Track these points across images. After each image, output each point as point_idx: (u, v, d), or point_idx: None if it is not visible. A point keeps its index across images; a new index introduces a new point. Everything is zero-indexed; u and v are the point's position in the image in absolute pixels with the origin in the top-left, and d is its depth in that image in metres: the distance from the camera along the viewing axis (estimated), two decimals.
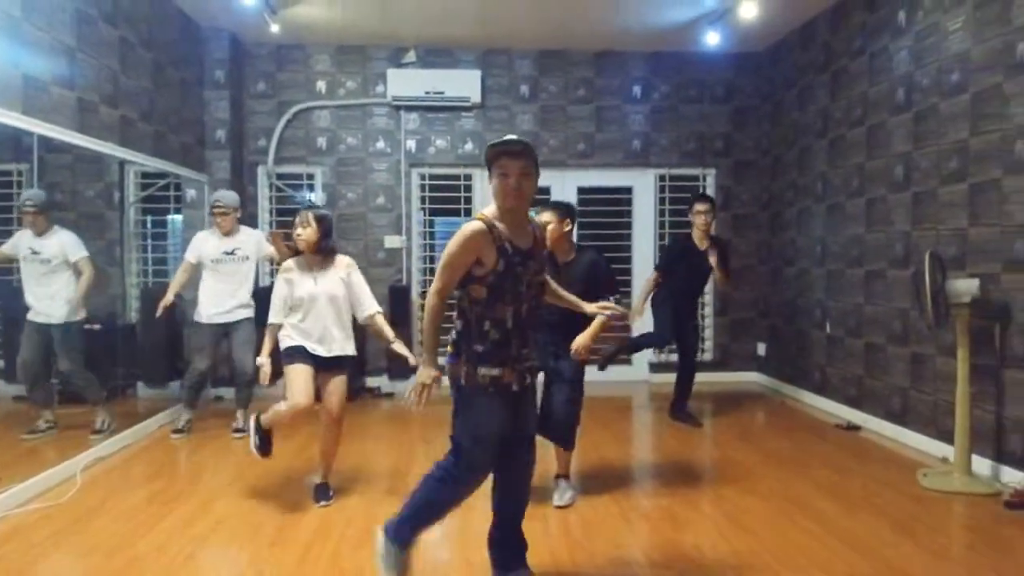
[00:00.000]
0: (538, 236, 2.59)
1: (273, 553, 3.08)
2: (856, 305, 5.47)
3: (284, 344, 3.65)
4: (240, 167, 6.66)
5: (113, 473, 4.29)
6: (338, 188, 6.83)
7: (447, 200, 7.03)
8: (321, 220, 3.65)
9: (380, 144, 6.88)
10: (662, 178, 7.11)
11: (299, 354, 3.61)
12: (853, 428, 5.24)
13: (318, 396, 3.66)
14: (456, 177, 6.97)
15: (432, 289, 2.49)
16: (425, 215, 7.15)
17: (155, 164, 5.50)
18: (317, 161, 6.84)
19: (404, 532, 2.57)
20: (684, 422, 5.42)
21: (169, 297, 5.27)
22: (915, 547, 3.11)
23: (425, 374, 2.47)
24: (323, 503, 3.66)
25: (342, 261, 3.73)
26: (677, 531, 3.31)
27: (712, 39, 6.15)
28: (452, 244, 2.42)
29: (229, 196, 5.10)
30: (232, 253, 5.06)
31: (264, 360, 3.63)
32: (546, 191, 7.05)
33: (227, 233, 5.05)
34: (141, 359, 6.58)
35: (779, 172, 6.78)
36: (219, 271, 5.04)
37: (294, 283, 3.65)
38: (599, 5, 5.81)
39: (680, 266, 5.27)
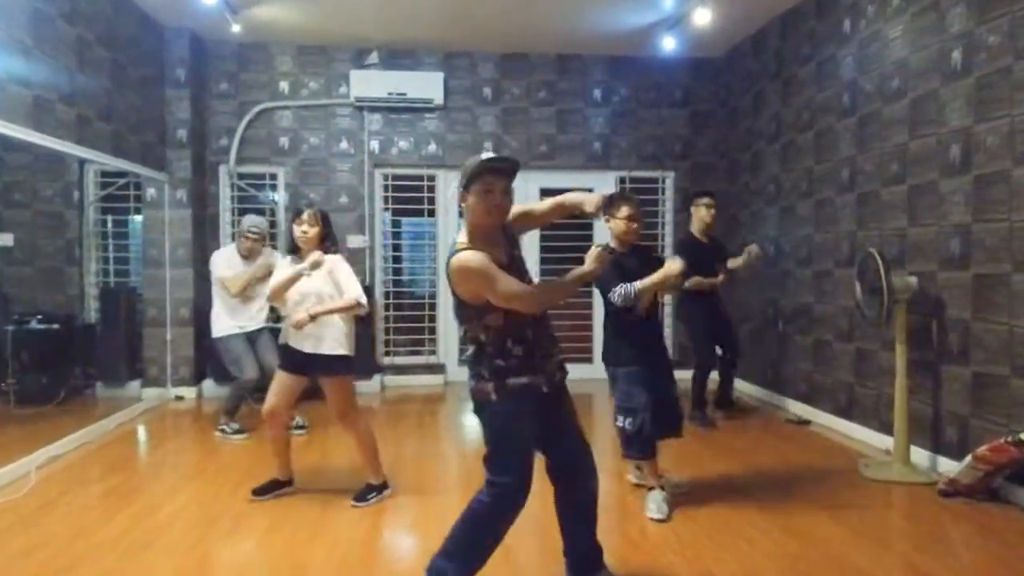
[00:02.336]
0: (507, 237, 2.49)
1: (229, 543, 3.13)
2: (805, 304, 5.64)
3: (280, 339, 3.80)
4: (202, 166, 6.65)
5: (70, 470, 4.28)
6: (301, 188, 6.85)
7: (410, 200, 7.09)
8: (325, 218, 3.71)
9: (343, 144, 6.91)
10: (623, 180, 7.24)
11: (282, 356, 3.75)
12: (803, 423, 5.41)
13: (312, 395, 3.80)
14: (419, 178, 7.03)
15: (517, 292, 2.29)
16: (389, 214, 7.20)
17: (113, 163, 5.47)
18: (280, 161, 6.86)
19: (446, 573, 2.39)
20: (703, 424, 5.26)
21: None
22: (852, 534, 3.25)
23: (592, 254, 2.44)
24: (363, 503, 3.64)
25: (331, 259, 3.66)
26: (630, 519, 3.42)
27: (668, 44, 6.30)
28: (483, 273, 2.24)
29: (263, 223, 5.13)
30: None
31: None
32: None
33: (250, 256, 5.08)
34: (100, 359, 6.55)
35: (735, 175, 6.96)
36: (245, 292, 5.04)
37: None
38: (560, 9, 5.91)
39: (692, 264, 5.18)
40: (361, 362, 6.69)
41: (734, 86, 6.96)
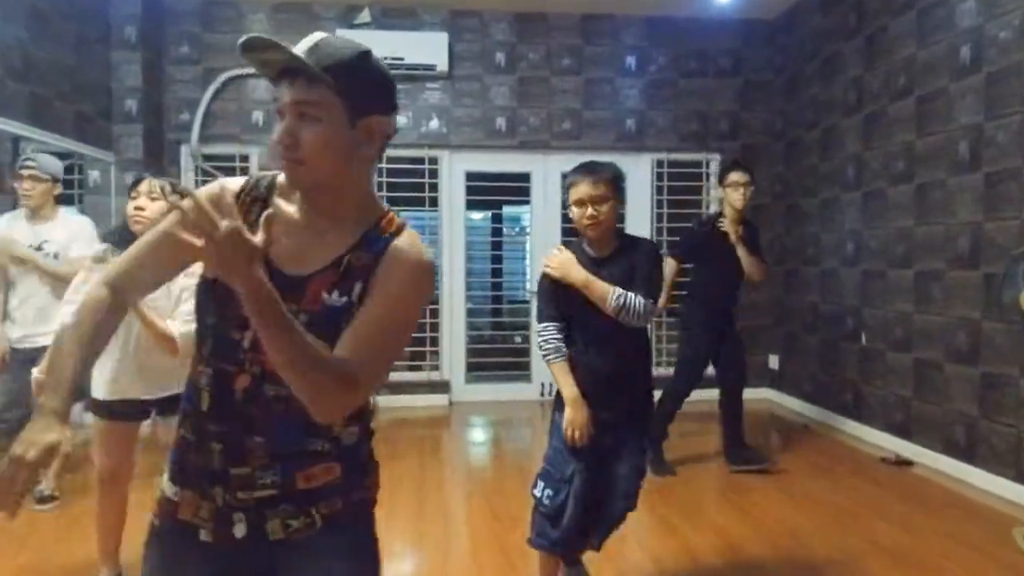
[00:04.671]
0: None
1: None
2: (902, 313, 4.52)
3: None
4: (158, 145, 5.53)
5: None
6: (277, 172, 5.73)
7: (408, 188, 5.98)
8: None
9: None
10: (659, 164, 6.13)
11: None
12: (904, 463, 4.30)
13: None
14: (420, 160, 5.91)
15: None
16: (384, 204, 6.07)
17: (30, 134, 4.37)
18: (253, 140, 5.74)
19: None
20: (750, 464, 4.12)
21: None
22: None
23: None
24: None
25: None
26: None
27: None
28: None
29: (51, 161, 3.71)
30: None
31: None
32: (526, 177, 6.05)
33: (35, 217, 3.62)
34: None
35: (796, 156, 5.84)
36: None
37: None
38: None
39: (707, 257, 4.18)
40: None
41: (795, 50, 5.84)
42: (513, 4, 5.78)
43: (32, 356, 3.45)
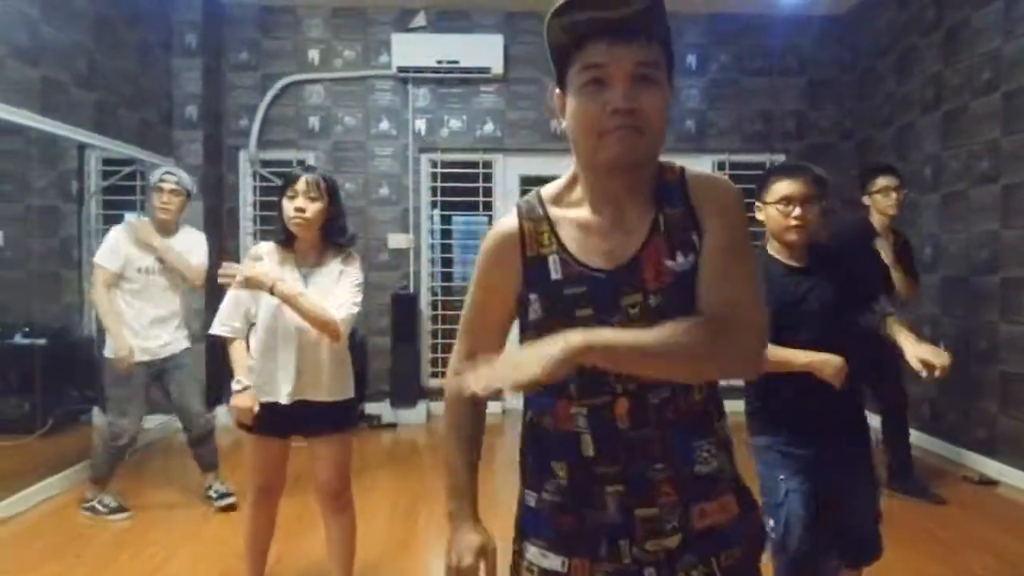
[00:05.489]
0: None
1: None
2: (987, 322, 4.24)
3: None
4: (217, 151, 5.59)
5: (17, 542, 3.21)
6: (334, 177, 5.72)
7: (462, 192, 5.91)
8: (335, 192, 2.48)
9: (384, 125, 5.76)
10: (721, 165, 5.93)
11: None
12: (988, 483, 4.02)
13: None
14: (474, 164, 5.84)
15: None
16: (437, 209, 6.02)
17: (95, 141, 4.45)
18: (309, 145, 5.75)
19: None
20: (911, 494, 3.75)
21: None
22: None
23: None
24: None
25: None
26: None
27: None
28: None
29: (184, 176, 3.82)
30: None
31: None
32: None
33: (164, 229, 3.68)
34: (98, 380, 5.56)
35: (868, 157, 5.56)
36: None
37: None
38: None
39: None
40: (404, 387, 5.59)
41: (865, 46, 5.58)
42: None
43: (153, 368, 3.55)
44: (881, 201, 3.67)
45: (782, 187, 2.03)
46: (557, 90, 1.12)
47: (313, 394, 2.36)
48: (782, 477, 1.99)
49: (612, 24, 1.01)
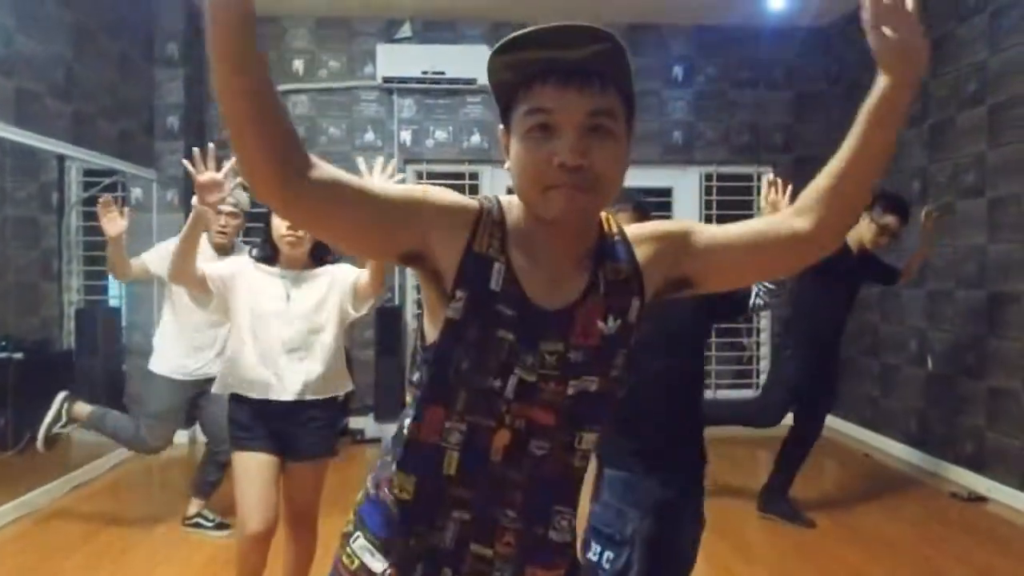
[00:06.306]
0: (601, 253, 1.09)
1: None
2: (975, 337, 4.22)
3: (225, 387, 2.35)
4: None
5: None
6: None
7: None
8: None
9: (368, 135, 5.72)
10: (708, 177, 5.92)
11: (240, 421, 2.31)
12: (976, 499, 3.99)
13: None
14: (460, 176, 5.80)
15: None
16: None
17: (72, 153, 4.38)
18: None
19: None
20: (783, 517, 3.66)
21: None
22: None
23: None
24: None
25: (332, 270, 2.42)
26: None
27: (776, 3, 4.95)
28: None
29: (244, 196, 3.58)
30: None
31: None
32: None
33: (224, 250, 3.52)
34: (78, 394, 5.47)
35: None
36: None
37: (251, 289, 2.30)
38: None
39: (832, 282, 3.55)
40: (388, 401, 5.52)
41: (851, 59, 5.57)
42: (557, 14, 5.62)
43: (191, 387, 3.44)
44: (876, 235, 3.59)
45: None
46: (501, 126, 1.03)
47: (318, 389, 2.28)
48: (632, 515, 1.87)
49: (563, 65, 0.92)
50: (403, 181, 2.37)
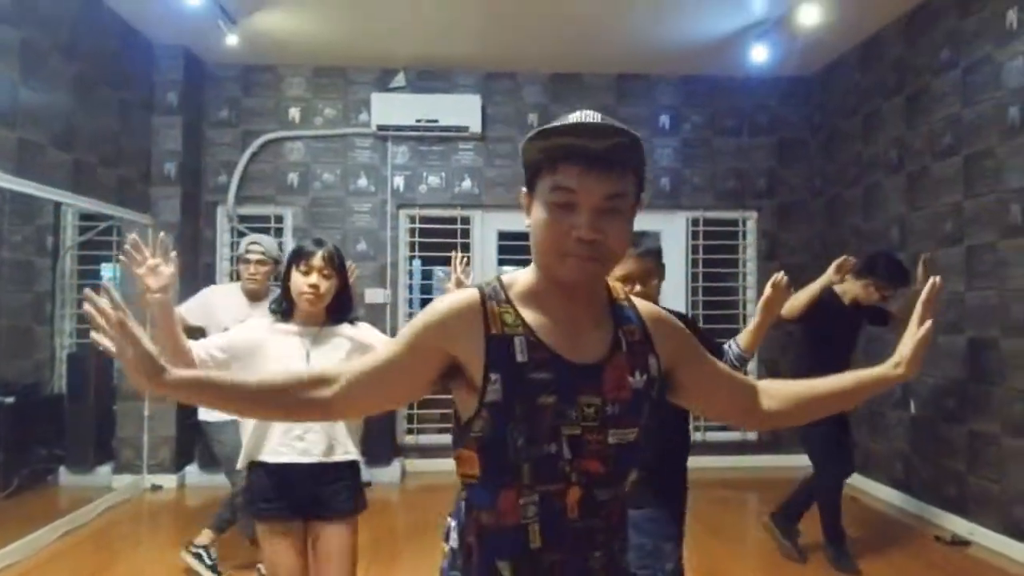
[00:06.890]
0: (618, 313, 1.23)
1: None
2: (955, 382, 4.30)
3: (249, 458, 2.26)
4: (194, 207, 5.61)
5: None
6: (312, 232, 5.74)
7: (440, 247, 5.95)
8: (344, 267, 2.35)
9: (362, 181, 5.83)
10: (695, 222, 6.04)
11: (263, 491, 2.22)
12: (960, 543, 4.02)
13: None
14: (452, 220, 5.90)
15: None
16: (419, 264, 6.08)
17: (71, 201, 4.46)
18: (287, 201, 5.79)
19: None
20: (782, 535, 3.82)
21: None
22: None
23: None
24: None
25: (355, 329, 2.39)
26: None
27: (758, 55, 5.11)
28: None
29: (272, 244, 3.71)
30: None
31: None
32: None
33: (256, 298, 3.57)
34: (67, 438, 5.46)
35: (837, 215, 5.69)
36: None
37: (268, 356, 2.21)
38: (621, 19, 4.82)
39: (833, 330, 3.71)
40: (378, 444, 5.52)
41: (832, 108, 5.75)
42: (547, 65, 5.81)
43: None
44: (873, 295, 3.73)
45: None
46: (524, 189, 1.17)
47: (338, 451, 2.25)
48: (667, 549, 2.03)
49: (588, 152, 1.05)
50: (469, 273, 2.53)
